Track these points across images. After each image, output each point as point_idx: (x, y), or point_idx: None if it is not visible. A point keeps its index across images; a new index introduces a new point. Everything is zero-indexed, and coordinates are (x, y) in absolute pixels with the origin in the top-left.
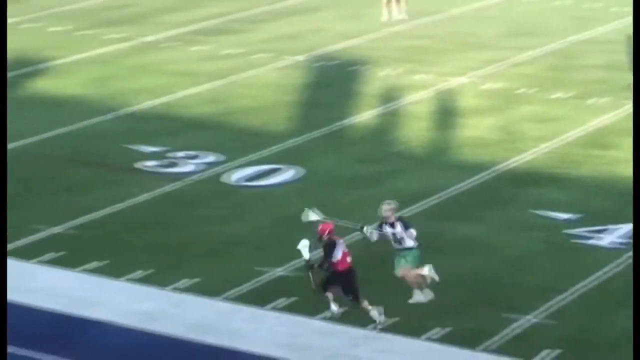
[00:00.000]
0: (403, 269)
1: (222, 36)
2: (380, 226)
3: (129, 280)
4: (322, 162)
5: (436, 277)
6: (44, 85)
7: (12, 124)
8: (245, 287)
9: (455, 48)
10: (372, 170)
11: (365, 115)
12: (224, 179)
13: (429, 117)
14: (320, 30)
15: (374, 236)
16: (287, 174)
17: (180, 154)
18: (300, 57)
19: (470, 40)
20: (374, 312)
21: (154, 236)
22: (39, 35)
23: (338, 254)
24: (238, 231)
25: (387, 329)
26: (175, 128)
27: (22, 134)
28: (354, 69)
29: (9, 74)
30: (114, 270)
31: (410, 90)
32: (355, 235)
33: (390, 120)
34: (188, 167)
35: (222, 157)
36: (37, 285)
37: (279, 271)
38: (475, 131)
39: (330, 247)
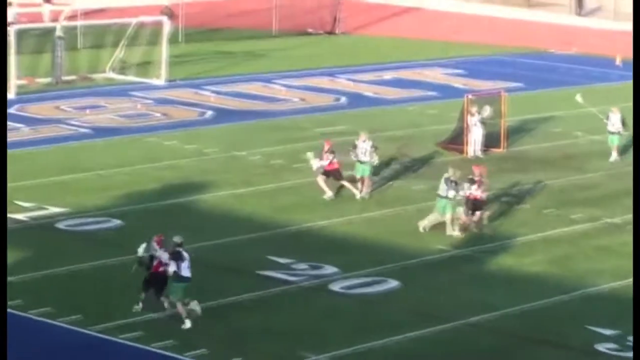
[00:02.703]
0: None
1: None
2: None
3: None
4: None
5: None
6: (507, 261)
7: (469, 297)
8: None
9: None
10: None
11: None
12: None
13: None
14: None
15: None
16: None
17: None
18: None
19: None
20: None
21: None
22: (507, 213)
23: (164, 257)
24: None
25: None
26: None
27: (481, 309)
28: None
29: (472, 249)
30: None
31: None
32: None
33: None
34: None
35: None
36: None
37: None
38: None
39: (151, 257)
